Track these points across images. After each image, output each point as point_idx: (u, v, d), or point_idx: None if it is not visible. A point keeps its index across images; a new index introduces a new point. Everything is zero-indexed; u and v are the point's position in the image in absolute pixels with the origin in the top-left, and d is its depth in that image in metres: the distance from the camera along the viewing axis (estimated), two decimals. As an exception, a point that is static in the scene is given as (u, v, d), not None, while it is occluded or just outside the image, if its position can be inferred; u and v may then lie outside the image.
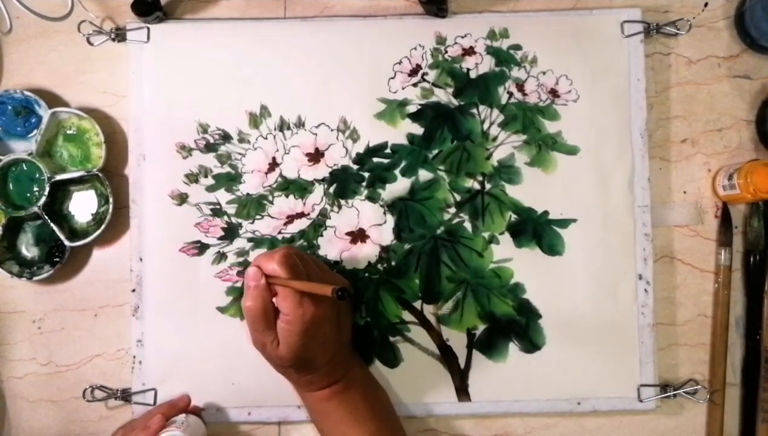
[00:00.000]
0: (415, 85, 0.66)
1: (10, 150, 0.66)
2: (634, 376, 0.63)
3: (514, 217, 0.65)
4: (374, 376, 0.63)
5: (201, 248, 0.65)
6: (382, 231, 0.64)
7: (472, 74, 0.66)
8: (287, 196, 0.65)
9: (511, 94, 0.65)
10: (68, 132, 0.66)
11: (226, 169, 0.65)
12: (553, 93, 0.65)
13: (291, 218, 0.65)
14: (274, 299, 0.54)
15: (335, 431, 0.58)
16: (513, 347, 0.64)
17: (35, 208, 0.64)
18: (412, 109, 0.65)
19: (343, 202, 0.65)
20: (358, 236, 0.64)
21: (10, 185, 0.66)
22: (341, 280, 0.61)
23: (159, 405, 0.63)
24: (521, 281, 0.64)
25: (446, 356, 0.64)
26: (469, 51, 0.66)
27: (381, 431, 0.58)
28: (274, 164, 0.65)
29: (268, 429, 0.65)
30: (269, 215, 0.65)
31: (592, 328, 0.64)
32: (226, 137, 0.65)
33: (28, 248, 0.66)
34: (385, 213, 0.65)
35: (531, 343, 0.64)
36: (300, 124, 0.65)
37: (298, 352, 0.54)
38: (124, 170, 0.66)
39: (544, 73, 0.65)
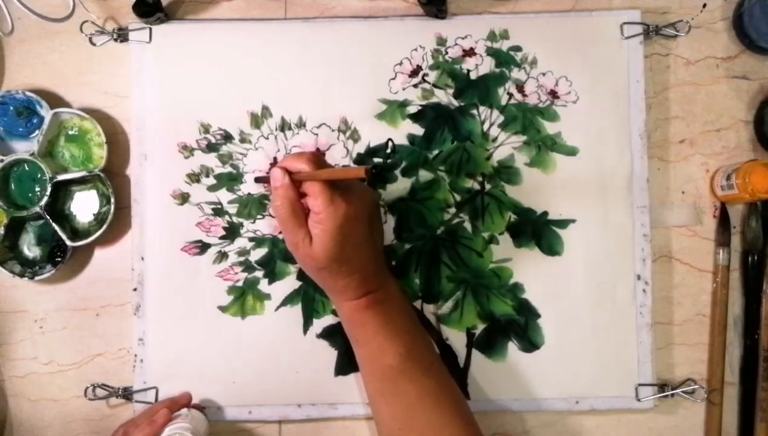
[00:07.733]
0: (415, 86, 0.66)
1: (12, 150, 0.66)
2: (632, 375, 0.64)
3: (513, 217, 0.65)
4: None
5: (202, 247, 0.65)
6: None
7: (473, 75, 0.66)
8: (288, 196, 0.65)
9: (511, 95, 0.65)
10: (70, 132, 0.67)
11: (228, 169, 0.66)
12: (553, 94, 0.65)
13: (292, 218, 0.65)
14: (305, 200, 0.55)
15: (370, 341, 0.58)
16: (512, 347, 0.64)
17: (37, 208, 0.64)
18: (412, 109, 0.66)
19: (343, 202, 0.65)
20: (359, 235, 0.65)
21: (12, 185, 0.66)
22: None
23: (161, 401, 0.64)
24: (520, 280, 0.64)
25: (446, 355, 0.64)
26: (470, 52, 0.66)
27: (415, 346, 0.58)
28: (275, 164, 0.65)
29: (268, 428, 0.65)
30: (270, 215, 0.65)
31: (591, 327, 0.64)
32: (227, 137, 0.66)
33: (29, 248, 0.67)
34: (385, 213, 0.65)
35: (530, 342, 0.64)
36: (301, 124, 0.66)
37: (332, 252, 0.54)
38: (126, 170, 0.67)
39: (543, 74, 0.66)
